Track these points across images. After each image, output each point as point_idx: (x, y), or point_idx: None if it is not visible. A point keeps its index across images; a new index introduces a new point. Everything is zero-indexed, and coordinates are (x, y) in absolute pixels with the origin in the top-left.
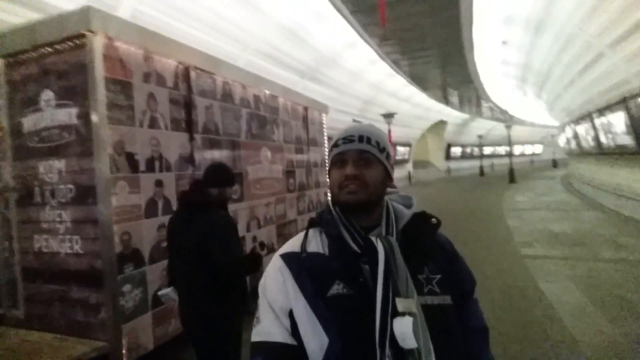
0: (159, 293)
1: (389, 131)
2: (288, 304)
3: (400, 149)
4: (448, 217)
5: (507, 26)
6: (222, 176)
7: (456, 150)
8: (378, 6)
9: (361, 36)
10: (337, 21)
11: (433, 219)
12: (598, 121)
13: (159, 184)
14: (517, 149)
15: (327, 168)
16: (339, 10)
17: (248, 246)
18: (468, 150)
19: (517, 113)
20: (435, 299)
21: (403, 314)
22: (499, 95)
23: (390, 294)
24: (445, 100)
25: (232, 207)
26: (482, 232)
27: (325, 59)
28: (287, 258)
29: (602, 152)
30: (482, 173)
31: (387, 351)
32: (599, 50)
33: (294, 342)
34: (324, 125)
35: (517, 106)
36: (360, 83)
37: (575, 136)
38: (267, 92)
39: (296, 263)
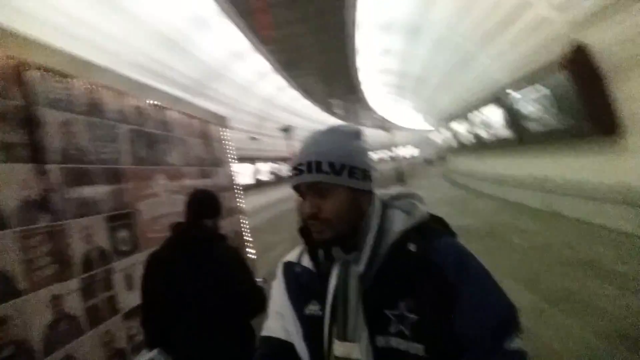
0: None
1: (288, 146)
2: (283, 307)
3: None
4: None
5: (387, 33)
6: (216, 206)
7: None
8: (261, 10)
9: (251, 42)
10: (223, 27)
11: (436, 232)
12: (476, 118)
13: None
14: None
15: (239, 191)
16: (225, 13)
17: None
18: None
19: (394, 119)
20: (402, 344)
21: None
22: (379, 104)
23: (331, 336)
24: (333, 113)
25: (122, 264)
26: None
27: (212, 71)
28: (285, 266)
29: (481, 146)
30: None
31: None
32: (469, 50)
33: (291, 341)
34: (226, 141)
35: (394, 112)
36: (252, 98)
37: (455, 135)
38: (152, 102)
39: (290, 273)
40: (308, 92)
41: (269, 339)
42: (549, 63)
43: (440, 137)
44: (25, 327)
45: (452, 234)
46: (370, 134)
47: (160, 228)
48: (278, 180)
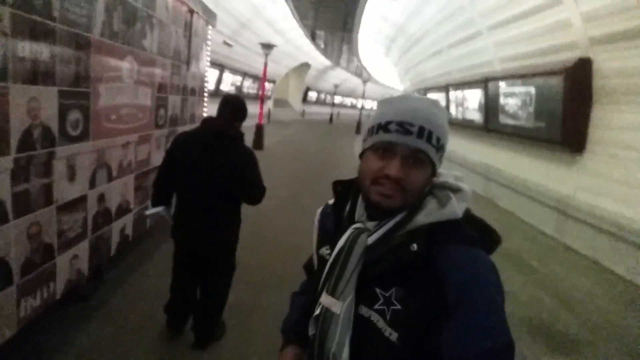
0: (147, 212)
1: (265, 65)
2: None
3: (265, 84)
4: (311, 161)
5: None
6: (244, 112)
7: (312, 95)
8: None
9: None
10: None
11: (458, 238)
12: (452, 94)
13: None
14: (359, 103)
15: (205, 98)
16: None
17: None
18: (322, 96)
19: (372, 70)
20: (380, 322)
21: (320, 307)
22: (363, 49)
23: (325, 285)
24: (315, 43)
25: (67, 151)
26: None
27: None
28: (324, 207)
29: (450, 123)
30: (331, 120)
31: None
32: (478, 29)
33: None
34: (209, 42)
35: (373, 63)
36: (238, 1)
37: None
38: None
39: (323, 214)
40: (300, 13)
41: (310, 258)
42: (549, 65)
43: None
44: None
45: (484, 243)
46: (346, 78)
47: (115, 118)
48: (238, 94)
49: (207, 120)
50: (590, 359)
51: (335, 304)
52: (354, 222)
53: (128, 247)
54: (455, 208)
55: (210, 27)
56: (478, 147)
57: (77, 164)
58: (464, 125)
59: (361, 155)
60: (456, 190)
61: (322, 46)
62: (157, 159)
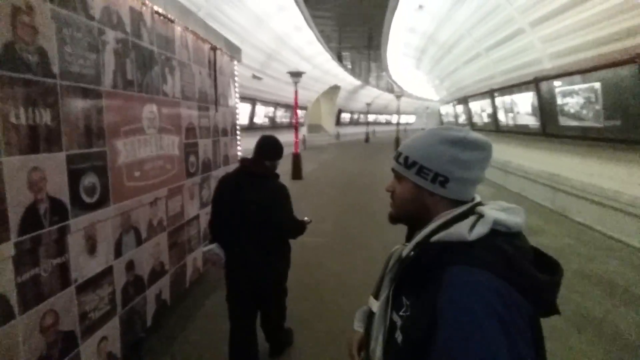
0: (204, 249)
1: (296, 93)
2: None
3: (297, 112)
4: (353, 186)
5: None
6: (277, 151)
7: (345, 116)
8: None
9: None
10: None
11: (464, 260)
12: (499, 100)
13: None
14: (393, 119)
15: (238, 135)
16: None
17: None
18: (355, 116)
19: (403, 84)
20: (398, 327)
21: (366, 304)
22: (392, 64)
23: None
24: (342, 64)
25: (83, 222)
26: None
27: None
28: None
29: (498, 130)
30: (367, 139)
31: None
32: (520, 26)
33: None
34: (236, 78)
35: (404, 77)
36: (265, 32)
37: (467, 111)
38: (156, 8)
39: None
40: (325, 38)
41: None
42: (613, 54)
43: (450, 110)
44: None
45: (496, 267)
46: (378, 95)
47: (139, 175)
48: (273, 125)
49: (241, 161)
50: None
51: (374, 305)
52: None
53: (167, 311)
54: (462, 230)
55: (235, 62)
56: (536, 154)
57: (98, 233)
58: (516, 132)
59: None
60: (480, 215)
61: (350, 66)
62: (192, 210)
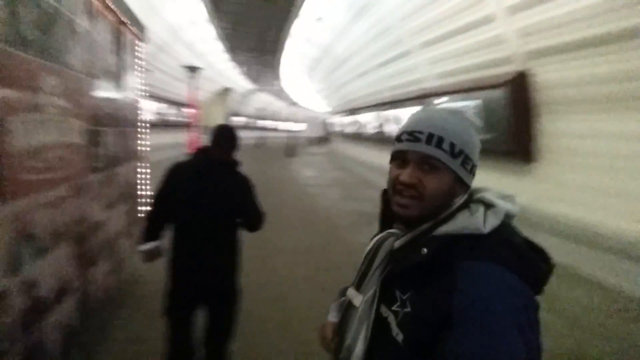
0: (142, 248)
1: (193, 89)
2: None
3: (187, 110)
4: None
5: (329, 2)
6: (237, 141)
7: (237, 120)
8: None
9: None
10: None
11: (479, 254)
12: (385, 113)
13: None
14: (282, 125)
15: (140, 127)
16: None
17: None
18: (247, 121)
19: (295, 93)
20: (393, 323)
21: (344, 298)
22: (286, 72)
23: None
24: (237, 66)
25: None
26: (304, 214)
27: None
28: None
29: (382, 140)
30: (259, 145)
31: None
32: (408, 47)
33: None
34: (140, 58)
35: (296, 86)
36: (156, 22)
37: (355, 122)
38: None
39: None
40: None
41: None
42: (490, 79)
43: (339, 120)
44: None
45: (518, 266)
46: (270, 101)
47: (35, 166)
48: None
49: (205, 150)
50: None
51: (356, 297)
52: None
53: (76, 337)
54: (478, 221)
55: (141, 43)
56: None
57: None
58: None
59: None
60: (489, 205)
61: (245, 70)
62: (98, 211)
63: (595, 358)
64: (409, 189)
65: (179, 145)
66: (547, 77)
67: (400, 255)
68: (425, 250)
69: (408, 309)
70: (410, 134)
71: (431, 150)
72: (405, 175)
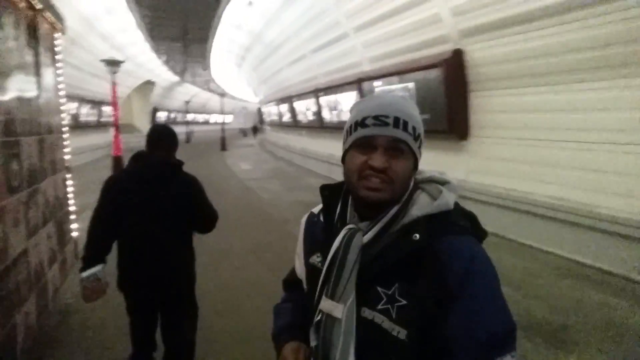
0: (83, 275)
1: (114, 84)
2: (299, 250)
3: (106, 109)
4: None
5: None
6: (176, 140)
7: (161, 115)
8: None
9: None
10: None
11: (455, 228)
12: (324, 99)
13: None
14: (214, 118)
15: (64, 132)
16: None
17: None
18: (172, 115)
19: (223, 83)
20: (386, 322)
21: (319, 314)
22: (214, 61)
23: (323, 291)
24: (160, 57)
25: None
26: (247, 211)
27: None
28: (309, 216)
29: (322, 126)
30: (188, 140)
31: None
32: (345, 30)
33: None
34: (58, 52)
35: (225, 75)
36: (67, 12)
37: (291, 110)
38: None
39: (309, 222)
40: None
41: (292, 271)
42: (425, 59)
43: (271, 109)
44: None
45: (478, 234)
46: (196, 93)
47: None
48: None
49: (143, 155)
50: None
51: (336, 308)
52: (346, 225)
53: None
54: (449, 199)
55: (59, 34)
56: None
57: None
58: (340, 128)
59: (343, 158)
60: (443, 183)
61: (168, 61)
62: (18, 240)
63: (542, 319)
64: (379, 174)
65: (96, 147)
66: (478, 54)
67: (374, 249)
68: (417, 235)
69: (402, 302)
70: (376, 119)
71: (400, 133)
72: (377, 160)
